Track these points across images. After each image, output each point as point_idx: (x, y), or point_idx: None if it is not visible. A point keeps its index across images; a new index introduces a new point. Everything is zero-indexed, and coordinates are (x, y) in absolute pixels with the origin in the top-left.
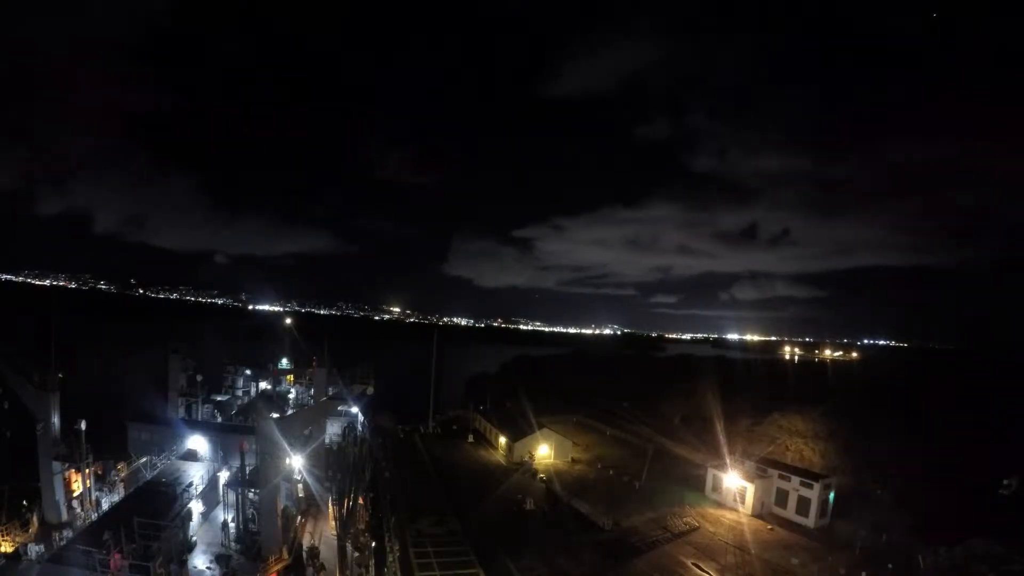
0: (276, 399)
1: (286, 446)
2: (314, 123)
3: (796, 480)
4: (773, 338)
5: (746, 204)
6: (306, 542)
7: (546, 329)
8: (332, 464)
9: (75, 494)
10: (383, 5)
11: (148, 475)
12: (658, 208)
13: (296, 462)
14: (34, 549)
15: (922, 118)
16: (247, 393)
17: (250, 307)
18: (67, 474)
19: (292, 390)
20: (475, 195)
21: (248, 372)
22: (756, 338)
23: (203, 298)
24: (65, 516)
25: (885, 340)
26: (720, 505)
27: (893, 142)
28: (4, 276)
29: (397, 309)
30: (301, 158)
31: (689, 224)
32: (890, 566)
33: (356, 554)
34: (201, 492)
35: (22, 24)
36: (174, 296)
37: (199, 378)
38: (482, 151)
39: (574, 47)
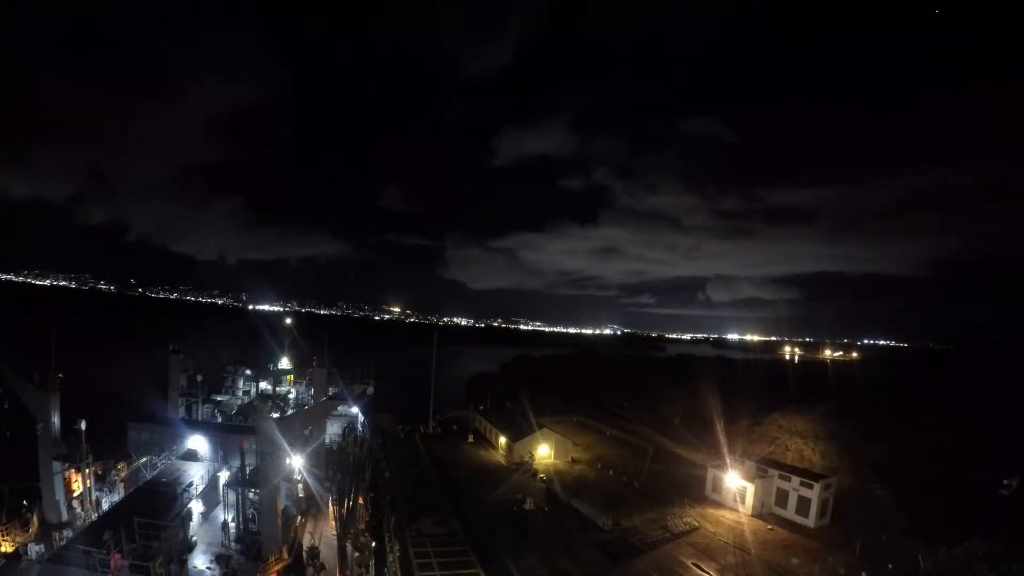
0: (276, 399)
1: (286, 446)
2: (325, 168)
3: (796, 480)
4: (773, 338)
5: (675, 229)
6: (306, 542)
7: (546, 329)
8: (332, 464)
9: (75, 494)
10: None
11: (148, 475)
12: (607, 228)
13: (296, 462)
14: (34, 549)
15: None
16: (247, 393)
17: (250, 307)
18: (67, 474)
19: (292, 390)
20: (458, 215)
21: (248, 372)
22: (756, 338)
23: (203, 298)
24: (65, 516)
25: (884, 340)
26: (720, 505)
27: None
28: (4, 276)
29: (397, 309)
30: (314, 193)
31: (640, 241)
32: (890, 566)
33: (356, 554)
34: (201, 492)
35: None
36: (174, 296)
37: (199, 378)
38: (456, 189)
39: (501, 138)
